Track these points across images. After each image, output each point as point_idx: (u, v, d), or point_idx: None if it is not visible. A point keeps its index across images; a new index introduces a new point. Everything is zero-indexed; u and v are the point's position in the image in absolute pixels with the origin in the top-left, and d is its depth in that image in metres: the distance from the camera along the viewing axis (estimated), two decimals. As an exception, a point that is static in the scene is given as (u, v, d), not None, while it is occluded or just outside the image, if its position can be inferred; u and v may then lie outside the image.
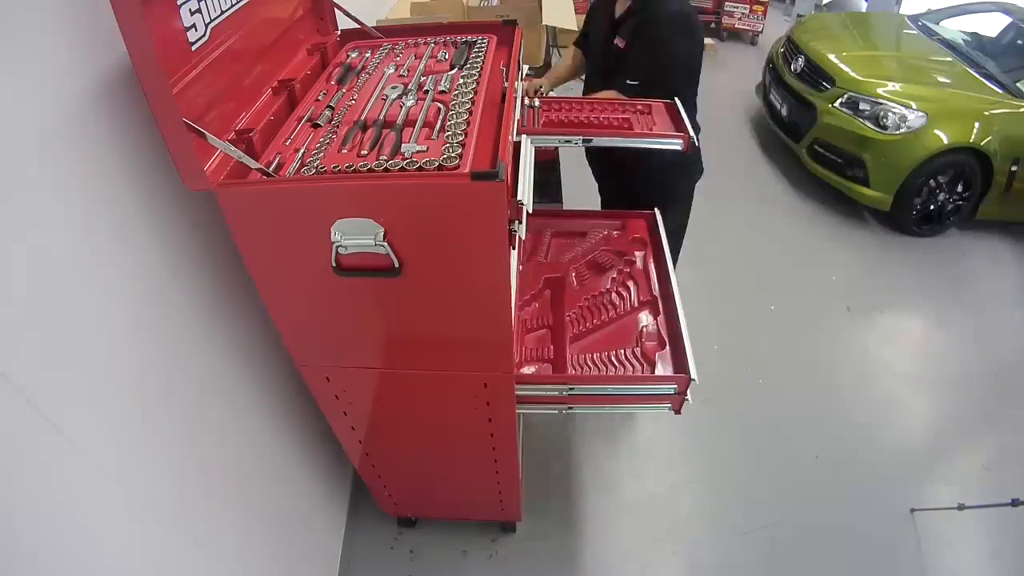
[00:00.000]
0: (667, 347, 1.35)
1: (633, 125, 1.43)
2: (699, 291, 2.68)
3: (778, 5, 5.89)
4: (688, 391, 1.23)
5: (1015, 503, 1.63)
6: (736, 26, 5.17)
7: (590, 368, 1.33)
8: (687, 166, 1.83)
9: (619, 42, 1.68)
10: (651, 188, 1.84)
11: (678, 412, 1.28)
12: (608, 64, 1.71)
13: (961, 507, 1.73)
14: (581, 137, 1.34)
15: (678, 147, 1.33)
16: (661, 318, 1.42)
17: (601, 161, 2.07)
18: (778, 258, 2.87)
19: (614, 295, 1.49)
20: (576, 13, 2.85)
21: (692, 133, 1.35)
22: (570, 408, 1.29)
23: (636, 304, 1.46)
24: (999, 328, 2.51)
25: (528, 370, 1.33)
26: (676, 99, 1.48)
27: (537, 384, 1.26)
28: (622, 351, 1.35)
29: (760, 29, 5.13)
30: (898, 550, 1.79)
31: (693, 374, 1.23)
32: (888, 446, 2.06)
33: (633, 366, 1.32)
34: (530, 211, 0.98)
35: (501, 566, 1.74)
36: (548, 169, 2.31)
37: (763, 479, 1.95)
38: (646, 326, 1.41)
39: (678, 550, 1.79)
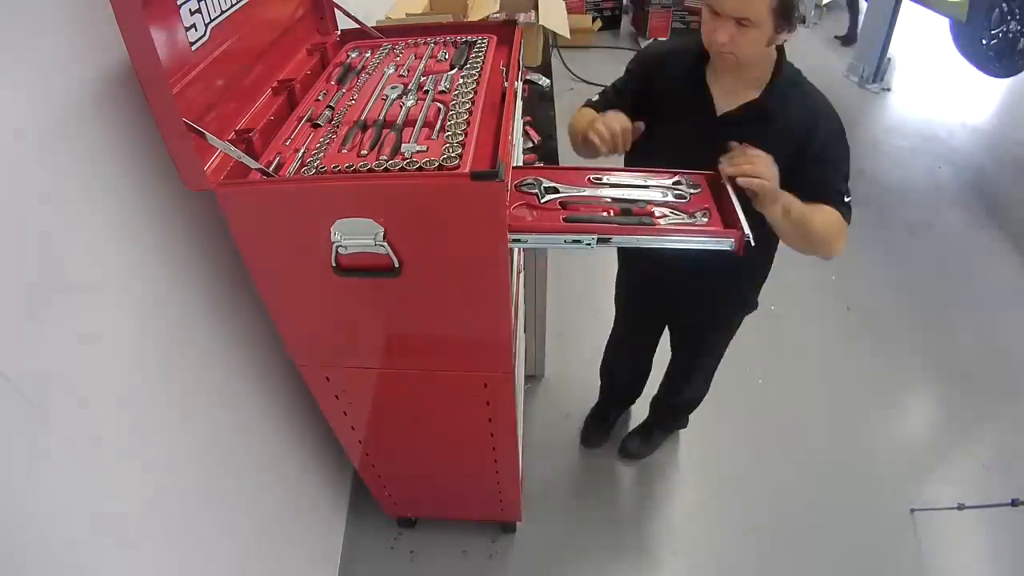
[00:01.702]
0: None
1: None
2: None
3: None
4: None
5: (1015, 503, 1.63)
6: (736, 26, 5.16)
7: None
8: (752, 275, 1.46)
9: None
10: (710, 296, 1.47)
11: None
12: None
13: (961, 507, 1.73)
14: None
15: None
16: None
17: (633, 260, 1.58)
18: (778, 258, 2.86)
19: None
20: (569, 13, 2.83)
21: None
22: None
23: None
24: (999, 326, 2.51)
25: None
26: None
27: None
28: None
29: (760, 29, 5.13)
30: (898, 550, 1.79)
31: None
32: (888, 446, 2.06)
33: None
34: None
35: (501, 566, 1.74)
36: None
37: (763, 479, 1.95)
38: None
39: (678, 550, 1.79)
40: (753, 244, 0.96)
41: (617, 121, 1.12)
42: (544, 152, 1.91)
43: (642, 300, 1.67)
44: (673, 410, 1.97)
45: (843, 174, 1.18)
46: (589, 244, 0.98)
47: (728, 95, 1.19)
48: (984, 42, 2.93)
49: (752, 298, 1.54)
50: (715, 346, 1.67)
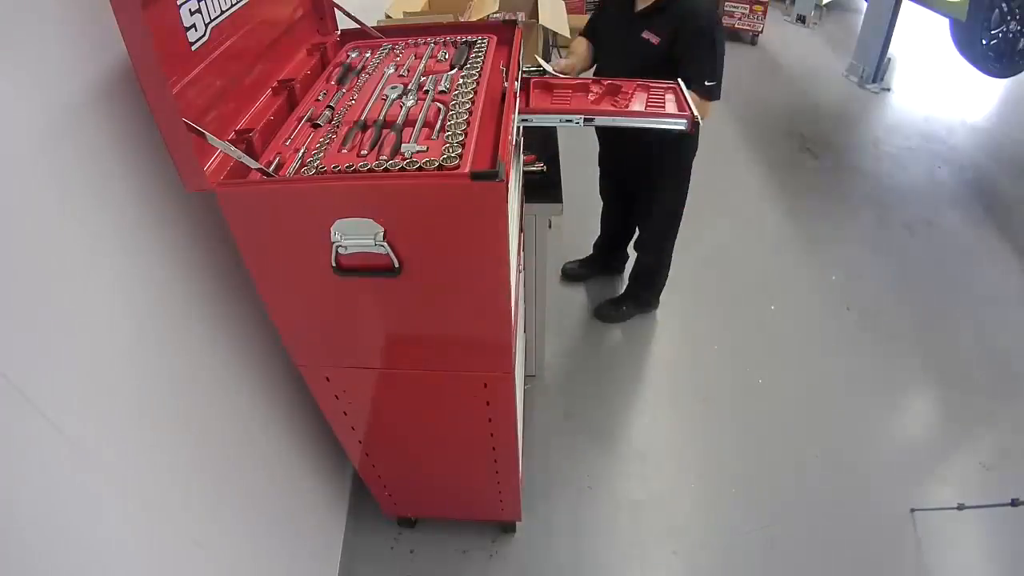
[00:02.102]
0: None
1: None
2: (698, 292, 2.68)
3: (778, 5, 5.90)
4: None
5: (1015, 503, 1.62)
6: (736, 26, 5.16)
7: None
8: (684, 143, 1.95)
9: (649, 37, 1.75)
10: (648, 163, 2.03)
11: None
12: (635, 60, 1.74)
13: (961, 507, 1.72)
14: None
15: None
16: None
17: (604, 136, 2.23)
18: (778, 258, 2.87)
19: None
20: (569, 13, 2.84)
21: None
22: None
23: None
24: (999, 327, 2.51)
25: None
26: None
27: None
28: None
29: (760, 29, 5.13)
30: (898, 550, 1.79)
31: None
32: (888, 446, 2.06)
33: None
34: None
35: (501, 566, 1.74)
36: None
37: (763, 479, 1.95)
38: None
39: (678, 550, 1.79)
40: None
41: (566, 62, 1.82)
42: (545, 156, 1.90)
43: (606, 161, 2.35)
44: (638, 276, 2.45)
45: (708, 67, 1.69)
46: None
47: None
48: (984, 42, 2.96)
49: (676, 167, 2.06)
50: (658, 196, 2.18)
